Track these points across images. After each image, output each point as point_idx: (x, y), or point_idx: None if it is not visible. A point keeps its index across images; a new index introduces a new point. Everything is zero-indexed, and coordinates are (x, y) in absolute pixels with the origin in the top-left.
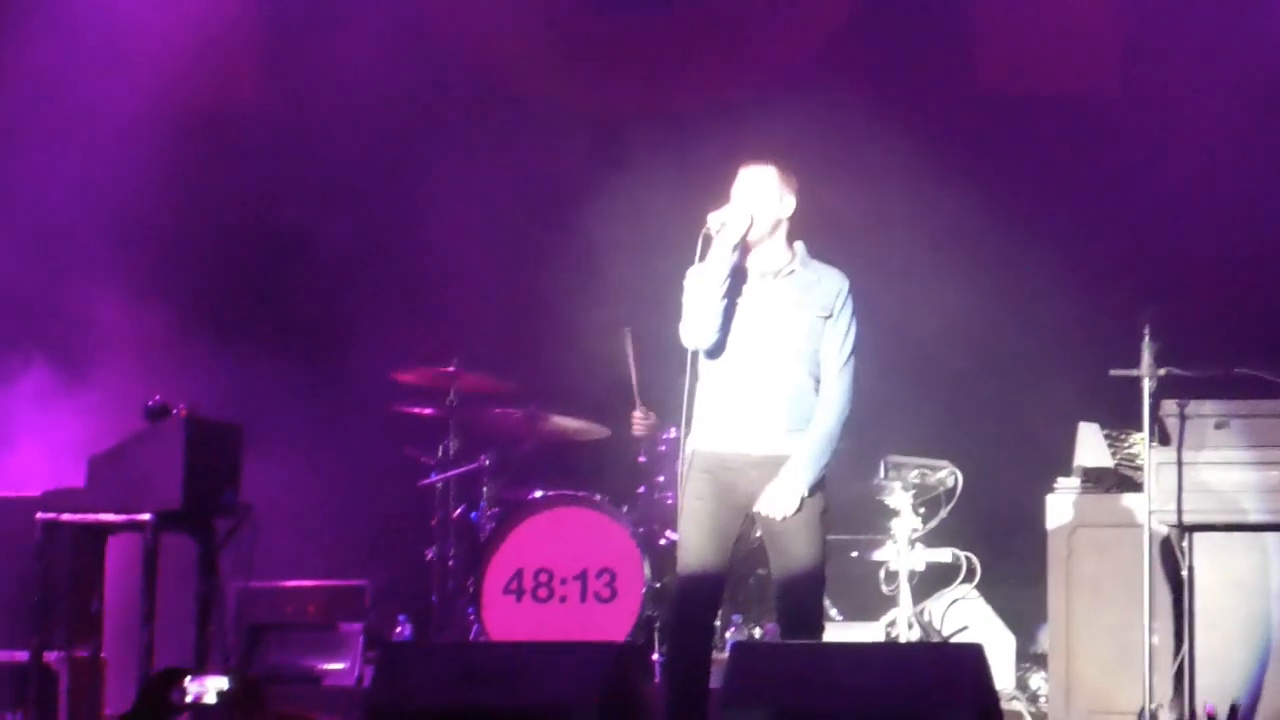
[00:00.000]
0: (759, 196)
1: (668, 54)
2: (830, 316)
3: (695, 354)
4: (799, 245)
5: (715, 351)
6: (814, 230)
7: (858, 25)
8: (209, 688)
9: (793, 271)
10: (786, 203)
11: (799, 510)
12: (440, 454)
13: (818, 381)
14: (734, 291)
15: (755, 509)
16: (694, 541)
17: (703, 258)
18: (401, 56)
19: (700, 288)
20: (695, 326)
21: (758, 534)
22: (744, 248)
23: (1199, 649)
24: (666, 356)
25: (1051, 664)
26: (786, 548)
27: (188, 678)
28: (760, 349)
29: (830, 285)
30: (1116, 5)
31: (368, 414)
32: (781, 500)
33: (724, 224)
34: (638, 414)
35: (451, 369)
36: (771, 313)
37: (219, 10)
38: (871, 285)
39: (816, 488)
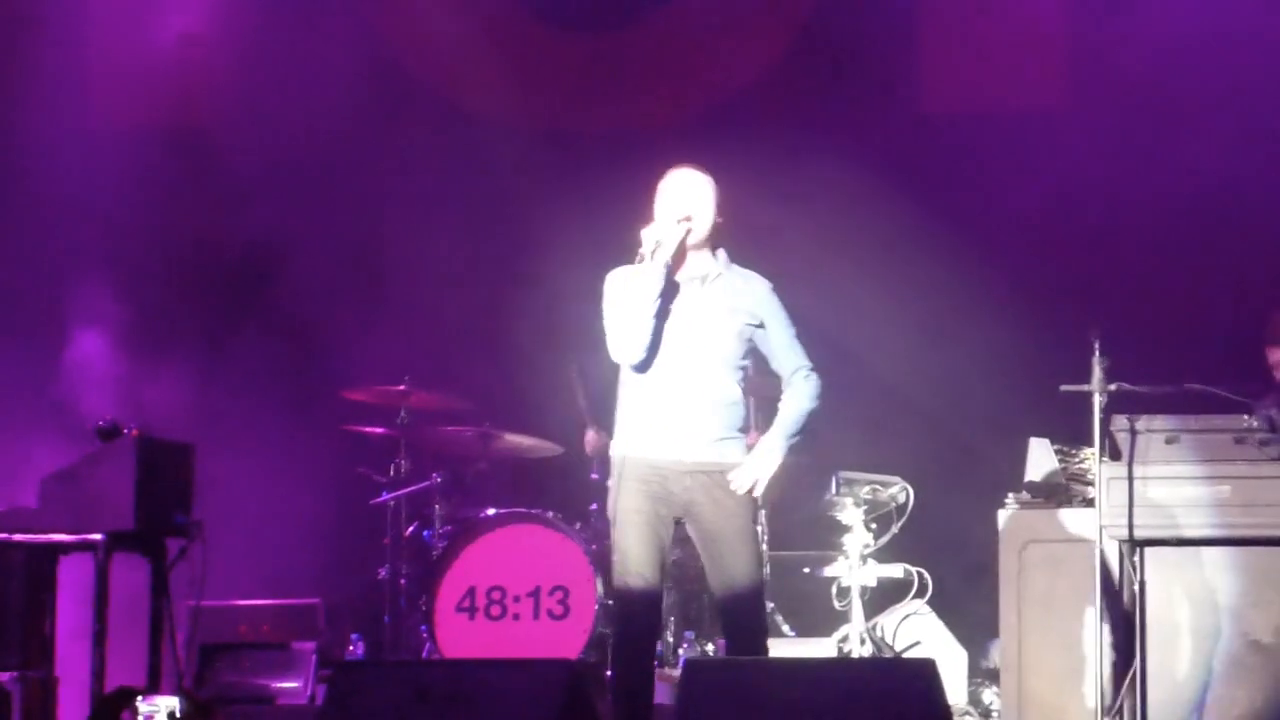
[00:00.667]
0: (691, 204)
1: (619, 76)
2: (761, 325)
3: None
4: (721, 252)
5: (644, 362)
6: (760, 249)
7: (801, 46)
8: (161, 708)
9: (720, 275)
10: (715, 211)
11: (734, 518)
12: (392, 472)
13: (743, 390)
14: (663, 301)
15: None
16: (634, 554)
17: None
18: (360, 74)
19: (632, 303)
20: (626, 342)
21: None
22: (676, 257)
23: (1150, 663)
24: (614, 375)
25: (1004, 679)
26: (727, 561)
27: (139, 698)
28: (690, 356)
29: (757, 291)
30: (1059, 20)
31: (319, 432)
32: (757, 469)
33: (659, 240)
34: (590, 435)
35: (402, 387)
36: (701, 319)
37: (183, 28)
38: (820, 302)
39: (747, 498)
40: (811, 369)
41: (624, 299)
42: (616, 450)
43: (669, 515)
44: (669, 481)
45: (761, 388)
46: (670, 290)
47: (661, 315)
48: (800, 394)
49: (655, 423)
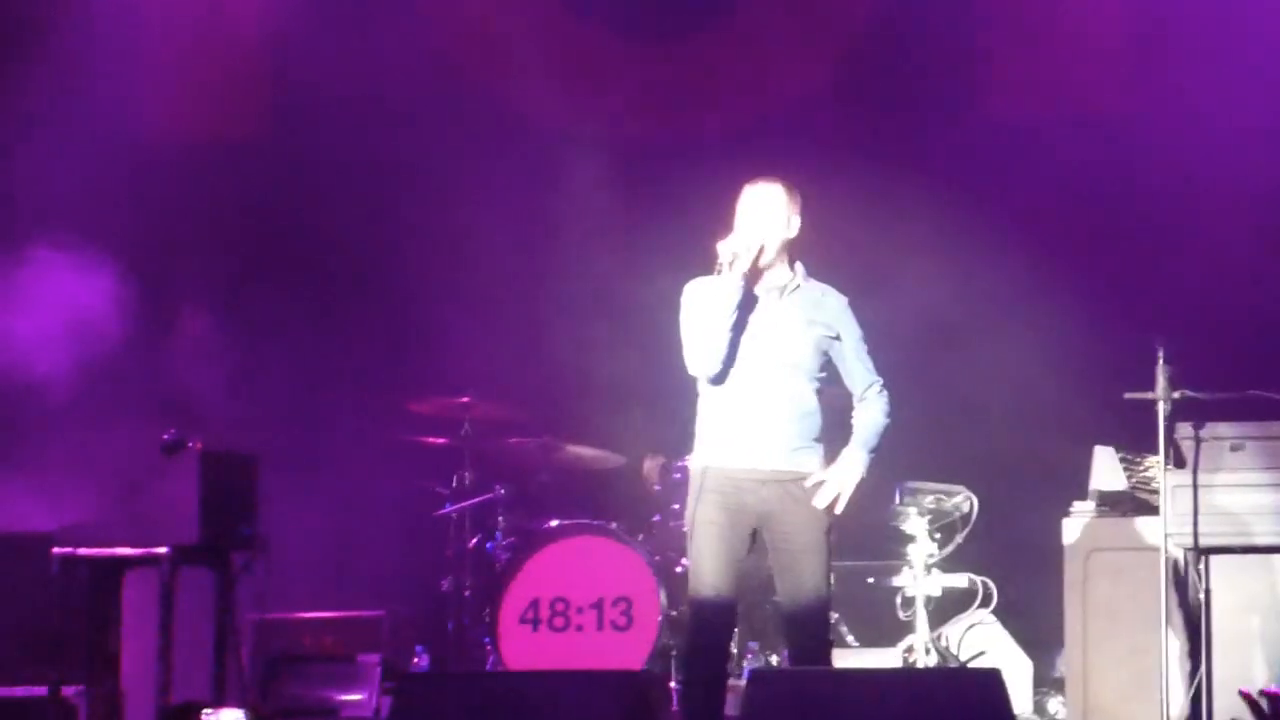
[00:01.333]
0: (768, 218)
1: (680, 86)
2: (837, 338)
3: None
4: (799, 264)
5: (723, 374)
6: (828, 256)
7: (865, 53)
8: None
9: (798, 287)
10: (794, 223)
11: (808, 530)
12: (455, 484)
13: (819, 399)
14: (742, 313)
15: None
16: (708, 566)
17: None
18: (417, 84)
19: (710, 317)
20: (705, 355)
21: (769, 561)
22: (753, 272)
23: (1216, 672)
24: (677, 384)
25: (1069, 688)
26: (796, 570)
27: (204, 711)
28: (767, 366)
29: (833, 304)
30: (1122, 26)
31: (383, 445)
32: (840, 483)
33: (735, 254)
34: (650, 463)
35: (466, 399)
36: (779, 330)
37: (224, 27)
38: (885, 311)
39: (827, 512)
40: (884, 385)
41: (702, 312)
42: (695, 462)
43: (745, 527)
44: (744, 492)
45: (828, 400)
46: (748, 302)
47: (739, 327)
48: (875, 408)
49: (732, 433)
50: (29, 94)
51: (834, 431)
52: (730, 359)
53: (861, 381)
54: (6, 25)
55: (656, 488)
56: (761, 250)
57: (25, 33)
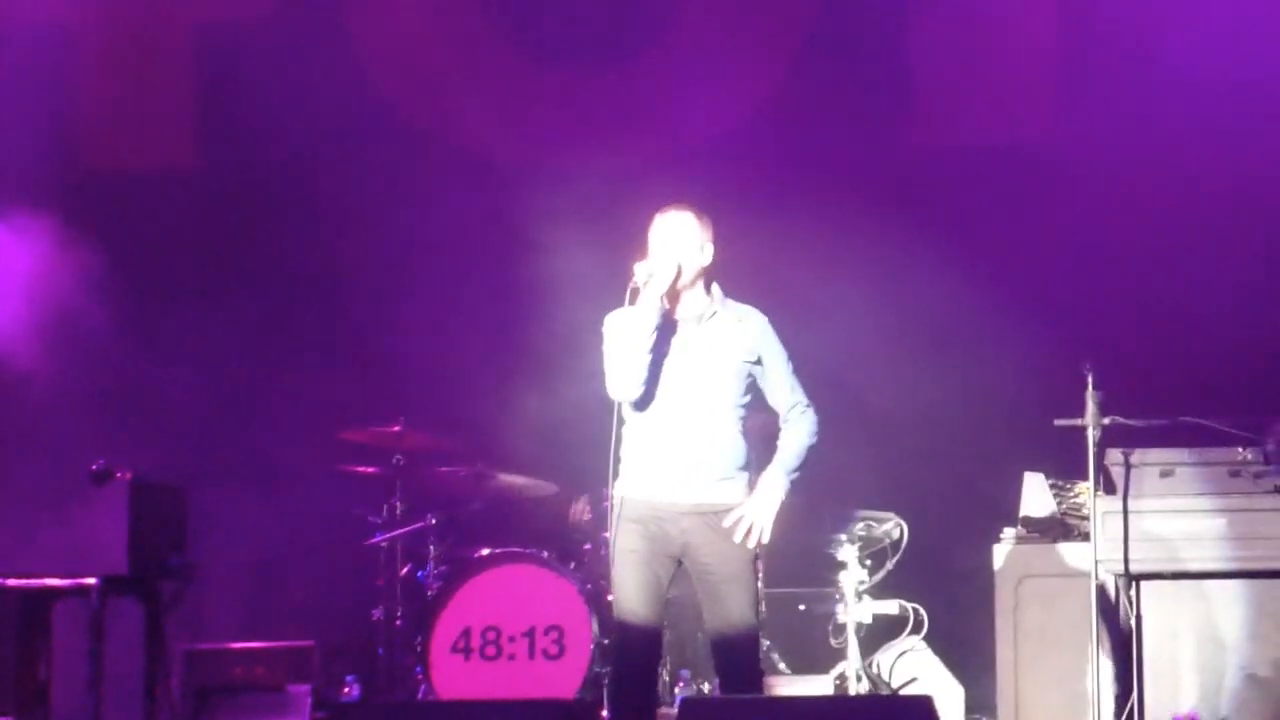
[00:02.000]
0: (682, 244)
1: (607, 111)
2: (758, 361)
3: (619, 403)
4: (715, 288)
5: (642, 401)
6: (748, 282)
7: (794, 79)
8: None
9: (715, 313)
10: (707, 250)
11: (732, 561)
12: (386, 513)
13: (742, 425)
14: (660, 340)
15: (730, 527)
16: (631, 594)
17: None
18: (351, 110)
19: (628, 339)
20: (622, 378)
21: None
22: (670, 297)
23: (1148, 698)
24: (597, 410)
25: (1001, 714)
26: (722, 600)
27: None
28: (688, 396)
29: (752, 327)
30: (1049, 54)
31: (313, 473)
32: (758, 513)
33: (651, 274)
34: (576, 505)
35: (397, 428)
36: (697, 359)
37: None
38: (812, 337)
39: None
40: (809, 404)
41: (620, 337)
42: (617, 490)
43: (667, 556)
44: (666, 523)
45: (758, 426)
46: (666, 329)
47: (657, 352)
48: (799, 430)
49: (653, 463)
50: None
51: (765, 458)
52: (649, 384)
53: (786, 402)
54: None
55: (587, 517)
56: (678, 273)
57: None
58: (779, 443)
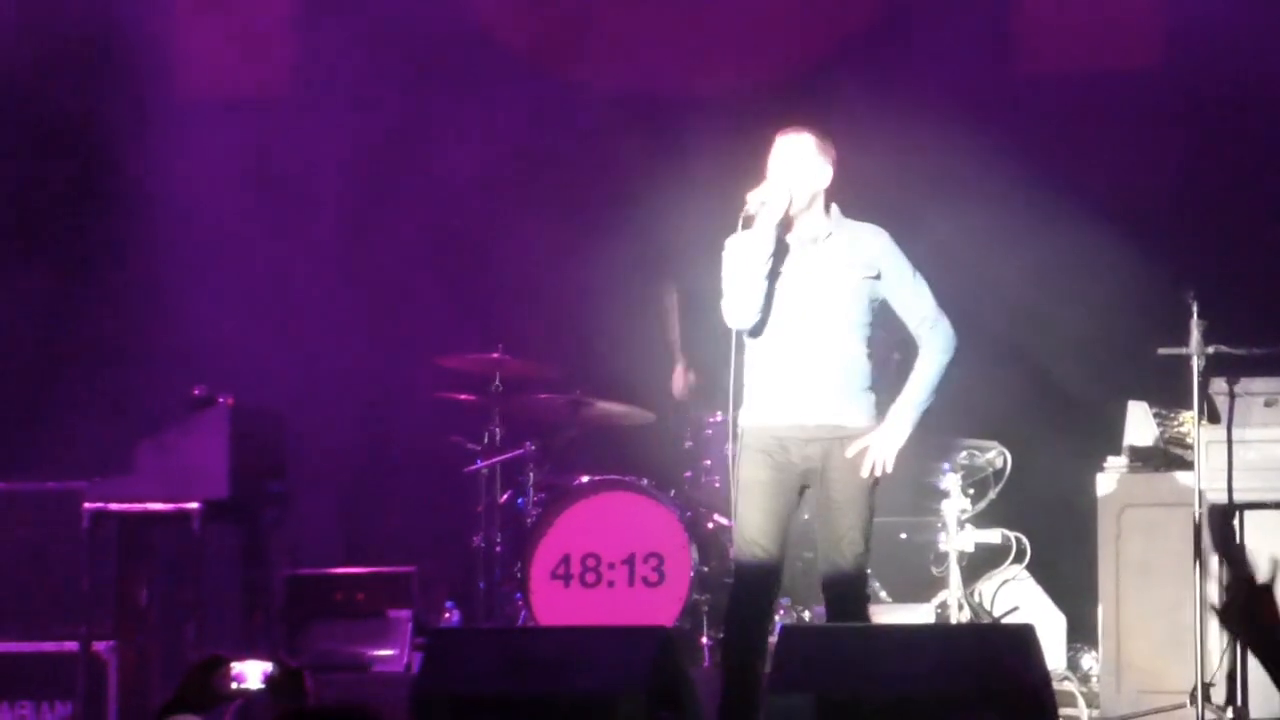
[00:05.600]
0: (797, 168)
1: (709, 36)
2: (878, 277)
3: (739, 332)
4: (834, 208)
5: (761, 326)
6: (858, 206)
7: (896, 8)
8: (252, 673)
9: (830, 235)
10: (824, 173)
11: (851, 486)
12: (485, 440)
13: (867, 346)
14: (776, 264)
15: (851, 454)
16: (753, 523)
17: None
18: (445, 39)
19: (743, 267)
20: (740, 305)
21: (805, 515)
22: (785, 222)
23: None
24: (710, 338)
25: (1103, 644)
26: (835, 524)
27: (231, 664)
28: (808, 318)
29: (871, 243)
30: None
31: (414, 400)
32: (882, 447)
33: (763, 202)
34: (678, 372)
35: (496, 355)
36: (816, 281)
37: None
38: (919, 261)
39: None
40: (940, 315)
41: (736, 264)
42: (741, 419)
43: (792, 484)
44: (790, 450)
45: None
46: (782, 252)
47: (773, 277)
48: (931, 352)
49: (776, 389)
50: None
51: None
52: (765, 310)
53: (914, 317)
54: None
55: (679, 393)
56: (791, 200)
57: None
58: (914, 367)
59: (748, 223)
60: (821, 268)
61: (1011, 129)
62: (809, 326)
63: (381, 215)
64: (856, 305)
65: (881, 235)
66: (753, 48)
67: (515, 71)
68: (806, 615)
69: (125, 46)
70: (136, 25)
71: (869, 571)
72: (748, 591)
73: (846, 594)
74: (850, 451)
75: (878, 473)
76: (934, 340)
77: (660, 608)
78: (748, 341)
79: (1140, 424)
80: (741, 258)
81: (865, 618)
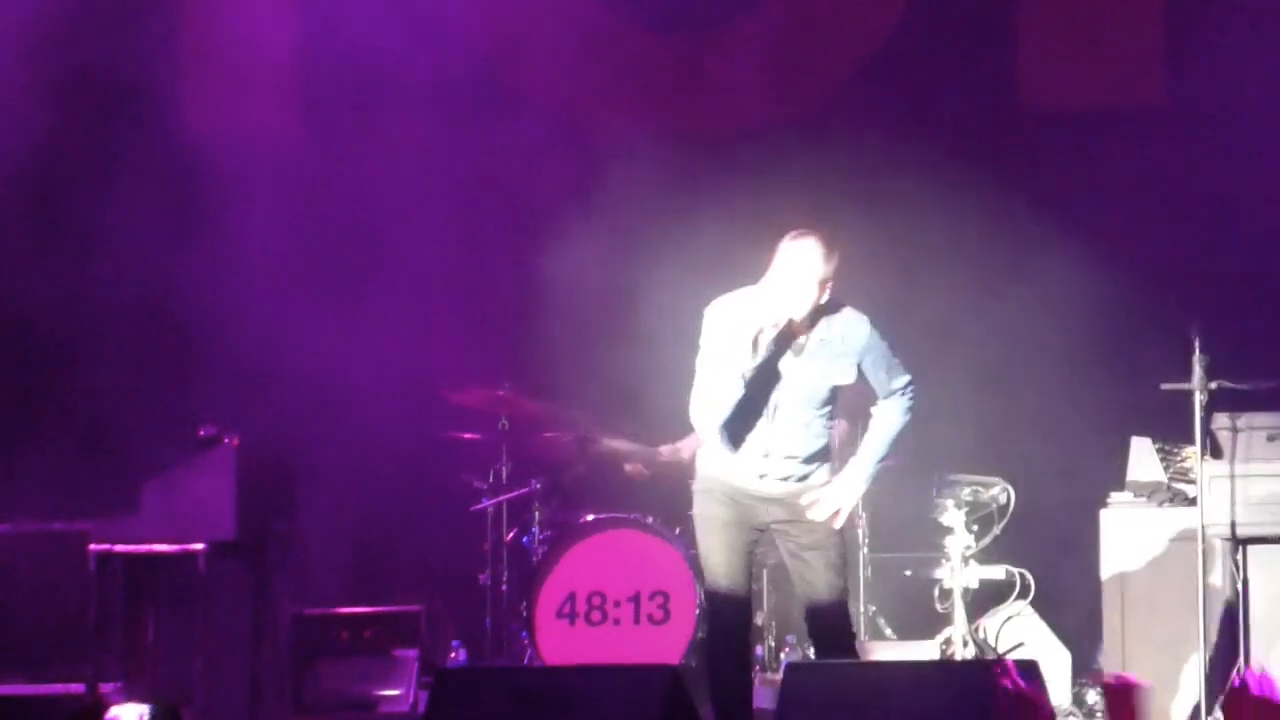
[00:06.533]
0: (803, 282)
1: (707, 75)
2: (858, 365)
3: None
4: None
5: (730, 421)
6: (858, 244)
7: (897, 44)
8: (128, 716)
9: (821, 340)
10: (828, 282)
11: (817, 531)
12: (492, 478)
13: (830, 418)
14: (759, 371)
15: (809, 515)
16: (716, 557)
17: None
18: (460, 77)
19: (726, 384)
20: (710, 415)
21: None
22: (783, 333)
23: (1254, 661)
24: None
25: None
26: (807, 568)
27: (109, 708)
28: (781, 409)
29: (854, 336)
30: (1157, 14)
31: (420, 439)
32: (839, 498)
33: (761, 330)
34: (664, 449)
35: (503, 393)
36: (795, 384)
37: None
38: (919, 301)
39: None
40: (907, 385)
41: (716, 381)
42: (702, 464)
43: (751, 524)
44: (754, 507)
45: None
46: (769, 360)
47: (753, 383)
48: (892, 412)
49: (738, 455)
50: None
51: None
52: (738, 409)
53: (885, 389)
54: None
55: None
56: (790, 323)
57: None
58: (871, 424)
59: (755, 346)
60: (803, 373)
61: (1012, 167)
62: (779, 415)
63: (395, 244)
64: (829, 394)
65: (863, 325)
66: (751, 94)
67: (524, 107)
68: (812, 652)
69: None
70: None
71: (872, 608)
72: (719, 620)
73: (830, 632)
74: (805, 499)
75: (835, 523)
76: (899, 403)
77: (666, 645)
78: None
79: (1143, 459)
80: (731, 379)
81: (853, 653)
